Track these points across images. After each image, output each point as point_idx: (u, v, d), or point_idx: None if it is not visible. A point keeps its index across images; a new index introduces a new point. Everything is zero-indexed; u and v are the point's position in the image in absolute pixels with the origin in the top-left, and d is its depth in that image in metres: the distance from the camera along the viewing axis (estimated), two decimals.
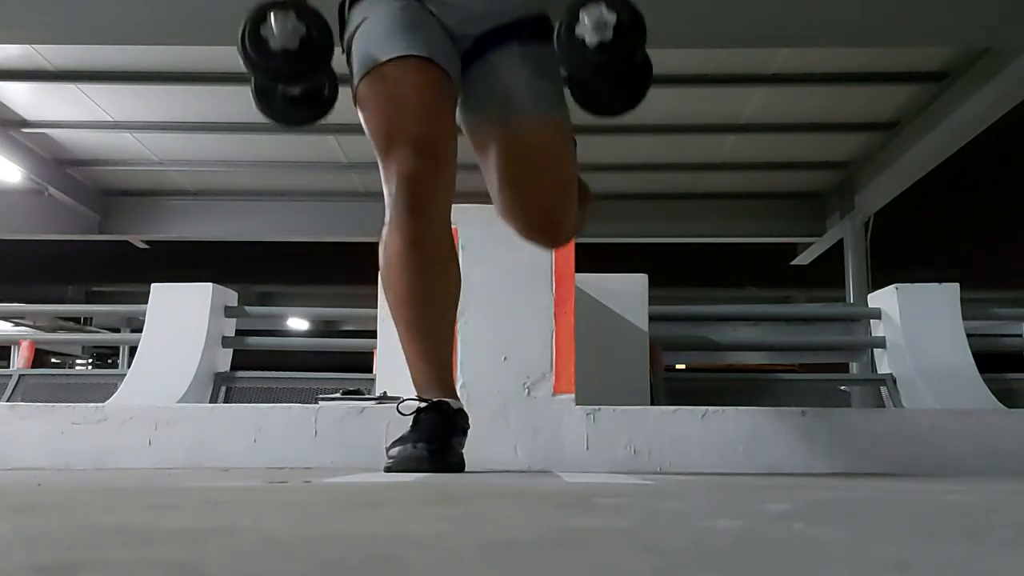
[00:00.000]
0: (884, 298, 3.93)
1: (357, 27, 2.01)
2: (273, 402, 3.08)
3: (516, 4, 2.07)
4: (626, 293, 3.58)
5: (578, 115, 2.10)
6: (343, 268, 7.82)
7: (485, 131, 2.08)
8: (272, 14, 1.77)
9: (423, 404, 1.94)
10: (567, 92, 2.08)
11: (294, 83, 1.90)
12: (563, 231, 2.12)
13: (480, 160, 2.11)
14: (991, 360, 3.89)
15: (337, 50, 1.97)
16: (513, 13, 2.05)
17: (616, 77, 1.90)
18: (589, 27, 1.76)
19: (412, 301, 1.94)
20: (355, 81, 1.99)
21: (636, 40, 1.80)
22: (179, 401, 3.44)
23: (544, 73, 2.04)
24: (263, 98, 1.96)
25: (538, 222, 2.08)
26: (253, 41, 1.78)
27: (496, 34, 2.04)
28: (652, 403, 3.33)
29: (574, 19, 1.77)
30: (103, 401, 2.88)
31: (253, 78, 1.90)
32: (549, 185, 2.05)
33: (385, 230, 1.92)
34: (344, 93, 2.03)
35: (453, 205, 2.00)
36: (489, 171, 2.08)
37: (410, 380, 2.00)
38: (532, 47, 2.03)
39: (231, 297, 4.11)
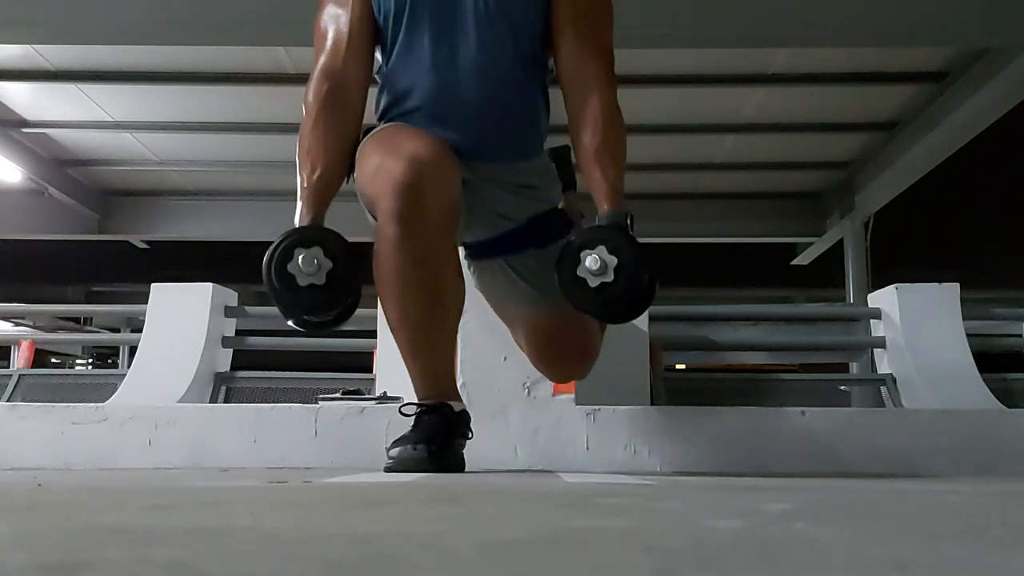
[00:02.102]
0: (884, 298, 3.92)
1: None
2: (273, 402, 3.08)
3: (533, 200, 2.09)
4: None
5: None
6: None
7: (504, 308, 2.21)
8: (298, 252, 1.77)
9: (425, 405, 1.94)
10: None
11: (320, 316, 1.88)
12: (585, 373, 2.28)
13: (499, 316, 2.24)
14: (991, 360, 3.89)
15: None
16: (530, 211, 2.08)
17: (615, 316, 1.93)
18: (590, 271, 1.78)
19: (414, 322, 1.90)
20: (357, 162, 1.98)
21: (637, 279, 1.80)
22: (179, 401, 3.44)
23: None
24: (288, 316, 1.92)
25: (561, 375, 2.31)
26: (279, 278, 1.77)
27: (513, 236, 2.09)
28: (652, 403, 3.32)
29: (575, 262, 1.79)
30: (103, 401, 2.88)
31: (277, 304, 1.87)
32: (571, 352, 2.18)
33: (379, 247, 1.85)
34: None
35: (453, 211, 1.97)
36: (512, 330, 2.23)
37: (410, 381, 1.99)
38: (548, 249, 2.04)
39: (231, 297, 4.11)
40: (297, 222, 1.86)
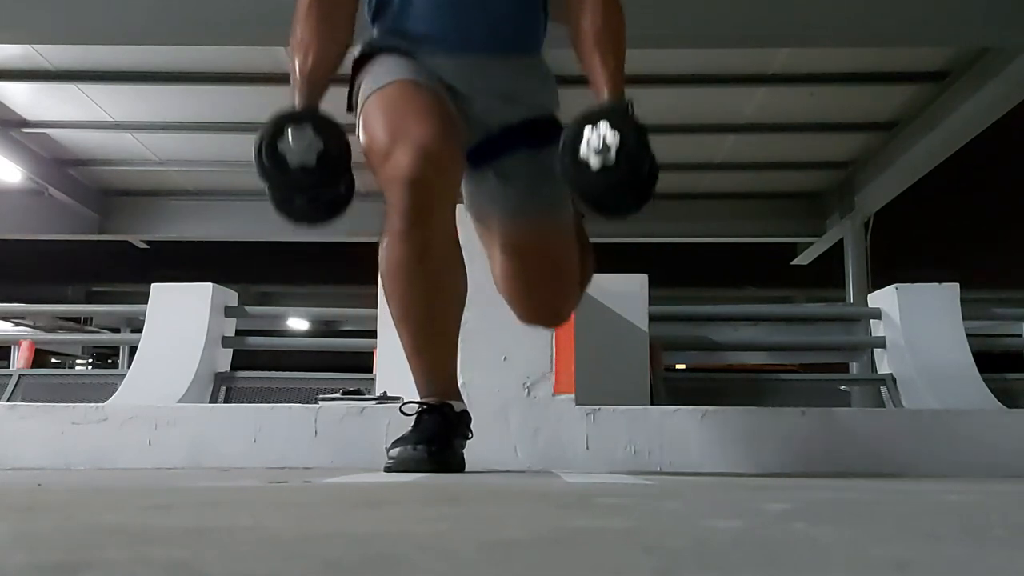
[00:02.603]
0: (884, 298, 3.93)
1: (365, 71, 1.99)
2: (273, 402, 3.08)
3: (526, 105, 2.05)
4: (626, 293, 3.58)
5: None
6: (343, 268, 7.82)
7: (488, 223, 2.11)
8: (289, 129, 1.74)
9: (425, 405, 1.94)
10: None
11: (312, 198, 1.85)
12: (561, 319, 2.21)
13: (483, 243, 2.15)
14: (991, 360, 3.89)
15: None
16: (523, 114, 2.04)
17: (616, 200, 1.87)
18: (593, 151, 1.72)
19: (417, 314, 1.90)
20: (358, 115, 1.96)
21: (640, 159, 1.74)
22: (179, 401, 3.44)
23: (550, 177, 2.00)
24: (281, 205, 1.92)
25: (536, 314, 2.17)
26: (270, 157, 1.75)
27: (506, 136, 2.03)
28: (652, 403, 3.32)
29: (577, 140, 1.73)
30: (103, 401, 2.88)
31: (269, 189, 1.85)
32: (550, 283, 2.08)
33: (385, 240, 1.86)
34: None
35: (456, 204, 1.99)
36: (492, 258, 2.12)
37: (411, 380, 1.99)
38: (540, 152, 2.01)
39: (231, 297, 4.11)
40: (293, 107, 1.84)
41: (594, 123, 1.72)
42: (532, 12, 2.06)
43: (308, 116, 1.79)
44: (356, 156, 1.84)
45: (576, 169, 1.73)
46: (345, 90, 2.05)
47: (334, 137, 1.77)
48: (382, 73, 1.96)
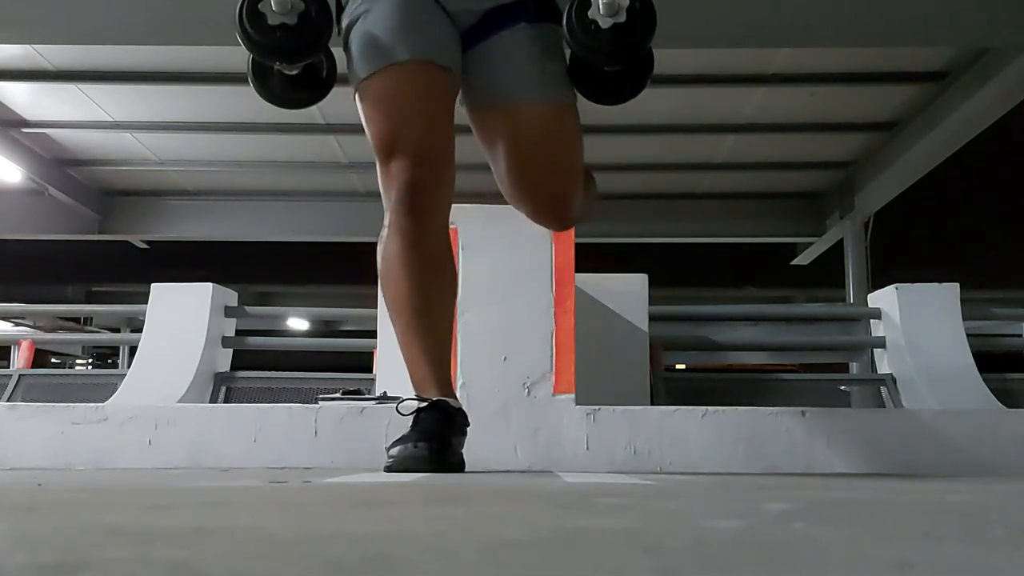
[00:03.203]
0: (884, 298, 3.93)
1: (357, 18, 1.98)
2: (273, 402, 3.08)
3: None
4: (626, 293, 3.58)
5: (581, 114, 2.10)
6: (343, 268, 7.82)
7: (490, 114, 2.06)
8: None
9: (423, 404, 1.94)
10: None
11: (292, 61, 1.85)
12: (571, 213, 2.12)
13: (483, 143, 2.09)
14: (991, 360, 3.89)
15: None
16: None
17: (624, 63, 1.86)
18: (602, 10, 1.72)
19: (411, 302, 1.95)
20: (356, 77, 1.98)
21: (648, 24, 1.76)
22: (179, 401, 3.44)
23: (552, 55, 2.01)
24: (260, 78, 1.93)
25: (546, 205, 2.10)
26: (251, 16, 1.75)
27: (503, 11, 2.01)
28: (652, 403, 3.33)
29: (586, 1, 1.74)
30: (103, 401, 2.88)
31: (250, 57, 1.86)
32: (557, 169, 2.04)
33: (384, 232, 1.93)
34: (341, 74, 2.00)
35: (453, 205, 2.02)
36: (495, 154, 2.06)
37: (409, 380, 2.00)
38: (540, 27, 2.00)
39: (231, 297, 4.11)
40: None
41: None
42: None
43: None
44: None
45: (583, 28, 1.74)
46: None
47: (315, 0, 1.77)
48: (376, 42, 1.95)
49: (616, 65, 1.84)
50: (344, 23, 2.02)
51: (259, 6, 1.75)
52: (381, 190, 1.94)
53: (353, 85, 1.99)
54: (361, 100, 1.98)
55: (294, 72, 2.01)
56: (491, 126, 2.07)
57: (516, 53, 2.01)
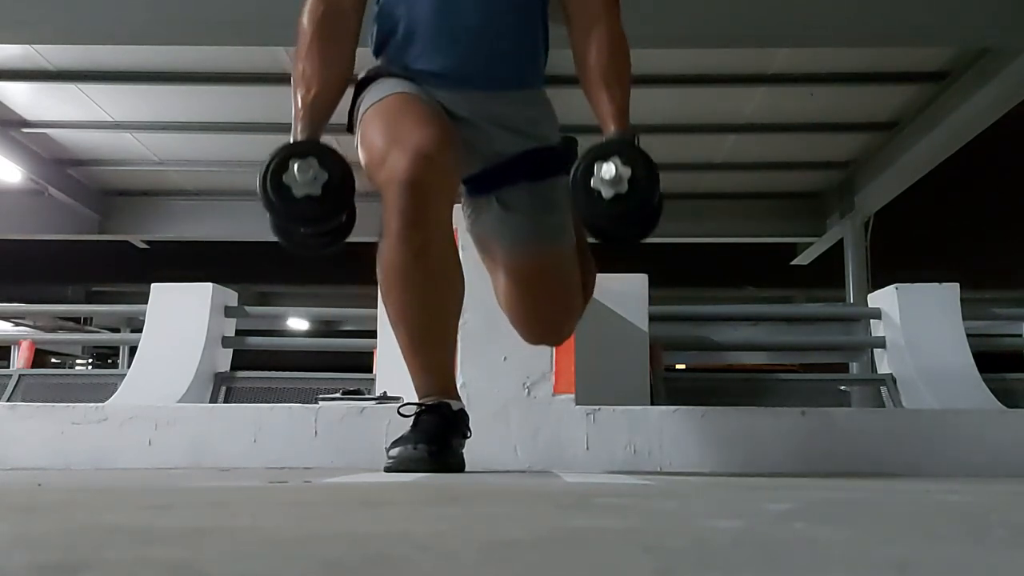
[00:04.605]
0: (884, 298, 3.92)
1: (367, 90, 2.01)
2: (273, 402, 3.08)
3: (528, 135, 2.07)
4: (626, 293, 3.58)
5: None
6: (343, 268, 7.81)
7: (490, 251, 2.15)
8: (294, 162, 1.75)
9: (424, 405, 1.94)
10: None
11: (315, 227, 1.87)
12: (563, 338, 2.27)
13: (484, 264, 2.19)
14: (991, 360, 3.89)
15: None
16: (525, 145, 2.06)
17: (628, 230, 1.89)
18: (605, 182, 1.75)
19: (414, 315, 1.90)
20: (357, 128, 1.98)
21: (651, 190, 1.78)
22: (179, 401, 3.44)
23: (554, 208, 2.04)
24: (282, 234, 1.92)
25: (539, 336, 2.25)
26: (275, 189, 1.76)
27: (508, 168, 2.05)
28: (652, 403, 3.32)
29: (589, 172, 1.76)
30: (103, 401, 2.88)
31: (271, 218, 1.86)
32: (552, 308, 2.14)
33: (383, 242, 1.86)
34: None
35: (453, 206, 2.00)
36: (495, 280, 2.18)
37: (410, 380, 1.99)
38: (544, 184, 2.05)
39: (231, 297, 4.11)
40: (292, 140, 1.85)
41: (606, 157, 1.76)
42: (532, 48, 2.08)
43: (312, 148, 1.81)
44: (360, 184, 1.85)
45: (588, 198, 1.77)
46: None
47: (338, 168, 1.78)
48: (382, 89, 1.98)
49: (621, 231, 1.87)
50: (354, 108, 2.04)
51: (283, 178, 1.76)
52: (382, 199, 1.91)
53: (356, 139, 1.98)
54: (359, 138, 1.96)
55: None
56: (489, 253, 2.17)
57: (516, 213, 2.07)
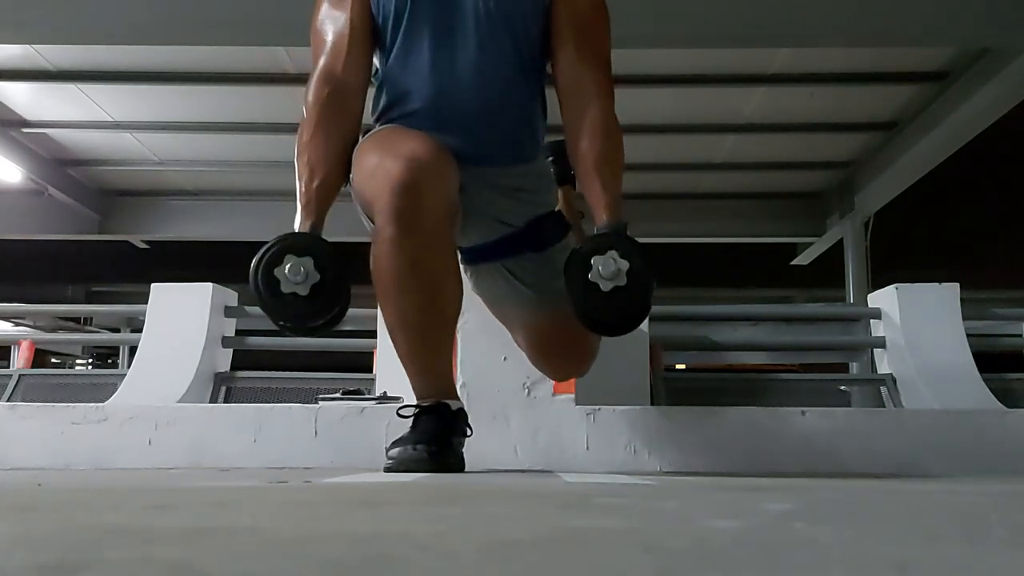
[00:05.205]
0: (884, 298, 3.92)
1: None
2: (273, 402, 3.08)
3: (529, 203, 2.09)
4: None
5: None
6: (342, 268, 7.81)
7: (502, 309, 2.21)
8: (288, 259, 1.75)
9: (422, 406, 1.94)
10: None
11: (297, 328, 1.85)
12: (583, 373, 2.31)
13: (496, 317, 2.25)
14: (991, 360, 3.89)
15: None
16: (526, 214, 2.08)
17: (626, 321, 1.90)
18: (603, 276, 1.77)
19: (412, 323, 1.89)
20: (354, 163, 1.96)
21: (648, 282, 1.80)
22: (179, 401, 3.44)
23: (559, 273, 2.02)
24: (272, 317, 1.92)
25: (563, 375, 2.34)
26: (265, 281, 1.75)
27: (512, 240, 2.08)
28: (652, 403, 3.32)
29: (586, 267, 1.78)
30: (103, 401, 2.88)
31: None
32: (570, 355, 2.19)
33: (376, 248, 1.84)
34: None
35: (451, 213, 1.97)
36: (511, 331, 2.24)
37: (409, 383, 1.99)
38: (547, 253, 2.08)
39: (231, 297, 4.10)
40: (296, 229, 1.84)
41: (602, 251, 1.78)
42: (531, 125, 2.09)
43: (310, 246, 1.79)
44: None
45: (585, 291, 1.79)
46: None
47: (332, 272, 1.77)
48: (379, 129, 2.01)
49: (616, 322, 1.88)
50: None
51: (275, 271, 1.75)
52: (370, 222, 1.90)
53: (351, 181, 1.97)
54: (354, 169, 1.94)
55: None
56: (501, 315, 2.23)
57: (524, 278, 2.11)
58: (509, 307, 2.19)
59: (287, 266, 1.75)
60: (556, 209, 2.17)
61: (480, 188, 2.01)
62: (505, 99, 2.02)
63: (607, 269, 1.77)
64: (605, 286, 1.77)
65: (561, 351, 2.19)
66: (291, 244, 1.78)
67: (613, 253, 1.78)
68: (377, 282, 1.87)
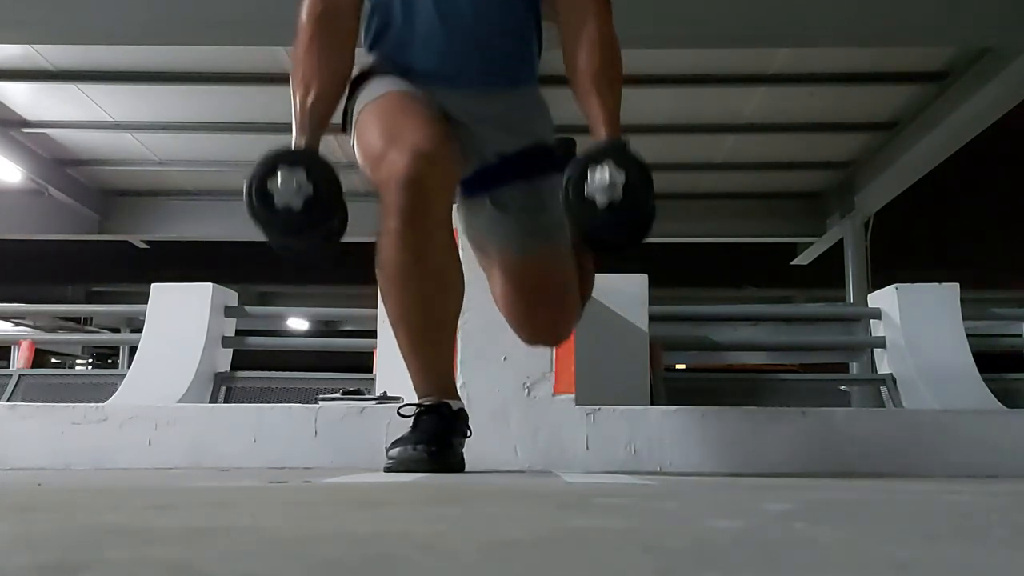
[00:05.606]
0: (884, 298, 3.92)
1: (361, 88, 2.00)
2: (273, 402, 3.08)
3: (523, 134, 2.07)
4: (626, 293, 3.58)
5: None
6: (343, 268, 7.81)
7: (486, 252, 2.14)
8: (280, 170, 1.73)
9: (423, 406, 1.94)
10: None
11: (296, 239, 1.84)
12: (561, 339, 2.26)
13: (480, 265, 2.18)
14: (991, 360, 3.89)
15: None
16: (518, 144, 2.05)
17: (623, 236, 1.87)
18: (599, 188, 1.72)
19: (414, 315, 1.90)
20: (352, 125, 1.97)
21: (646, 195, 1.76)
22: (179, 401, 3.44)
23: (546, 206, 2.03)
24: (270, 239, 1.90)
25: (537, 336, 2.22)
26: (259, 194, 1.73)
27: (501, 168, 2.05)
28: (652, 403, 3.32)
29: (582, 178, 1.73)
30: (103, 401, 2.88)
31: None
32: (549, 307, 2.12)
33: (381, 241, 1.85)
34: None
35: (452, 205, 1.99)
36: (491, 281, 2.16)
37: (410, 380, 1.99)
38: (536, 183, 2.05)
39: (231, 297, 4.11)
40: (292, 147, 1.84)
41: (598, 162, 1.73)
42: (526, 48, 2.07)
43: (303, 158, 1.78)
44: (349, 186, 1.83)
45: (581, 206, 1.74)
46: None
47: (325, 181, 1.75)
48: (377, 87, 1.97)
49: (616, 238, 1.85)
50: (348, 104, 2.02)
51: (268, 184, 1.73)
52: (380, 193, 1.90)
53: (351, 138, 1.97)
54: (356, 136, 1.95)
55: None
56: (484, 255, 2.16)
57: (510, 212, 2.06)
58: (493, 247, 2.12)
59: (279, 176, 1.73)
60: (549, 145, 2.12)
61: (474, 122, 2.00)
62: (499, 17, 2.00)
63: (602, 181, 1.72)
64: (601, 199, 1.72)
65: (541, 300, 2.10)
66: (283, 156, 1.77)
67: (610, 163, 1.73)
68: (382, 275, 1.89)
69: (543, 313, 2.14)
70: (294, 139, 1.85)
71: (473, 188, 2.08)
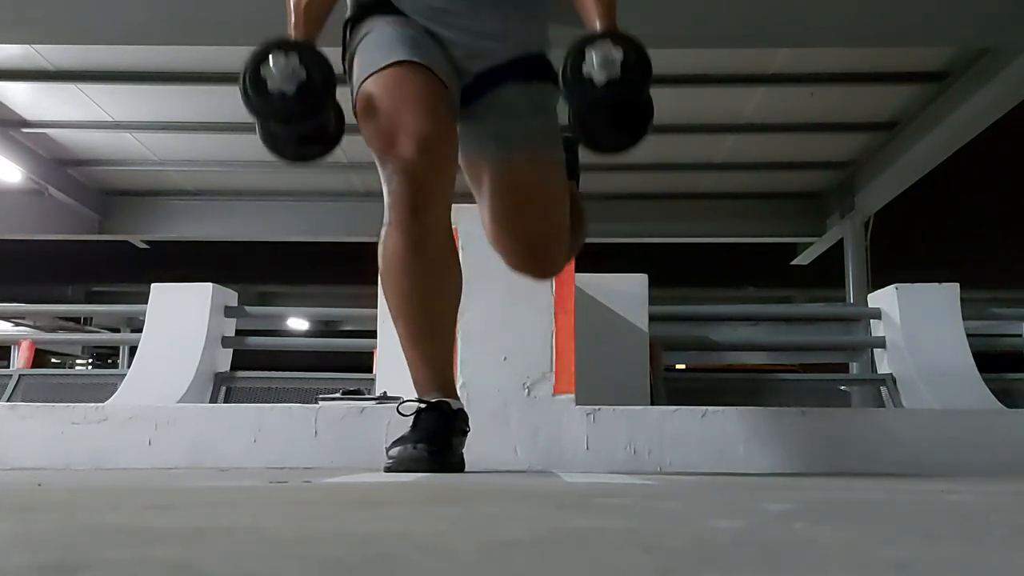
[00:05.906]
0: (884, 298, 3.93)
1: (359, 41, 1.99)
2: (273, 402, 3.08)
3: (515, 42, 2.05)
4: (626, 293, 3.58)
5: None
6: (343, 268, 7.82)
7: (479, 165, 2.08)
8: (272, 55, 1.73)
9: (423, 405, 1.94)
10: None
11: (291, 125, 1.84)
12: (550, 266, 2.14)
13: (474, 191, 2.12)
14: (991, 360, 3.89)
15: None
16: (512, 52, 2.04)
17: (622, 115, 1.86)
18: (597, 65, 1.71)
19: (414, 304, 1.92)
20: (355, 89, 1.96)
21: (643, 76, 1.76)
22: (179, 401, 3.44)
23: (541, 112, 2.03)
24: (268, 138, 1.91)
25: (524, 257, 2.09)
26: (252, 80, 1.73)
27: (495, 72, 2.03)
28: (652, 403, 3.32)
29: (580, 57, 1.73)
30: (103, 401, 2.88)
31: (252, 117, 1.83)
32: (538, 222, 2.04)
33: (384, 230, 1.89)
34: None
35: (453, 205, 2.00)
36: (481, 202, 2.09)
37: (410, 380, 2.00)
38: (530, 86, 2.03)
39: (231, 297, 4.11)
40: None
41: (596, 41, 1.73)
42: None
43: (296, 45, 1.78)
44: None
45: (580, 84, 1.73)
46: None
47: (318, 69, 1.75)
48: (377, 50, 1.95)
49: (613, 118, 1.84)
50: (348, 52, 2.02)
51: (261, 70, 1.73)
52: (383, 184, 1.90)
53: (352, 100, 1.96)
54: (359, 110, 1.94)
55: (299, 131, 1.95)
56: (477, 172, 2.09)
57: (503, 112, 2.04)
58: (485, 157, 2.07)
59: (271, 60, 1.73)
60: (544, 54, 2.10)
61: (468, 33, 1.99)
62: None
63: (600, 59, 1.71)
64: (599, 78, 1.71)
65: (528, 214, 2.03)
66: (277, 42, 1.77)
67: (607, 42, 1.73)
68: (383, 264, 1.91)
69: (530, 228, 2.04)
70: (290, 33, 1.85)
71: (468, 97, 2.04)
